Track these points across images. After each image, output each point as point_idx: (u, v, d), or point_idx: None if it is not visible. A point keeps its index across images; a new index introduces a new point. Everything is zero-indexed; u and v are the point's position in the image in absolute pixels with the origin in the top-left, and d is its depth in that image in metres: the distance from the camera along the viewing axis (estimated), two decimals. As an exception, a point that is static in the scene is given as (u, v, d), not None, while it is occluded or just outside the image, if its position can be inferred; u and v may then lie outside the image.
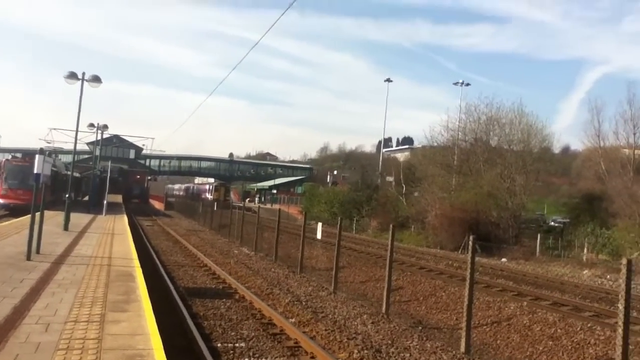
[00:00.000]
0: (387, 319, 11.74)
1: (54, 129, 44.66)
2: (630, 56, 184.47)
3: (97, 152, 47.19)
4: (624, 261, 7.12)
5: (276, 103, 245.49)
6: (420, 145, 56.20)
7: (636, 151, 44.91)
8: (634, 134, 44.41)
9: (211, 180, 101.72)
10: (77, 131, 23.64)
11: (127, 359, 5.60)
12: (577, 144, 69.34)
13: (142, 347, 6.08)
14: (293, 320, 10.95)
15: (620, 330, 6.90)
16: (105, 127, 37.35)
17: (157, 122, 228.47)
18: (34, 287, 9.02)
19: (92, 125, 36.29)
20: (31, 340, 6.03)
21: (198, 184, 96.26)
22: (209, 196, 65.82)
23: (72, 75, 21.04)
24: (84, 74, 21.48)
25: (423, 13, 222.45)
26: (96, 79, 21.32)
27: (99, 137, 39.73)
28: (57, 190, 36.57)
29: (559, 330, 11.45)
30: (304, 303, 12.85)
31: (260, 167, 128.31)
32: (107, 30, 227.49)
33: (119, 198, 57.33)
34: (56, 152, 57.16)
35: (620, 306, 6.96)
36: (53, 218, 24.36)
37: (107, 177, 37.46)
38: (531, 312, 12.86)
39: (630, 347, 9.57)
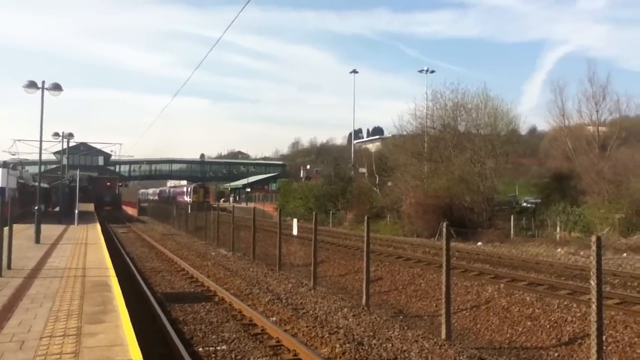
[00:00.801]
0: (368, 311, 11.80)
1: (19, 140, 43.65)
2: (588, 34, 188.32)
3: (65, 161, 46.24)
4: (594, 238, 7.24)
5: (243, 100, 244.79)
6: (390, 135, 56.36)
7: (600, 128, 45.97)
8: (597, 111, 45.46)
9: (184, 182, 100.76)
10: (41, 141, 23.09)
11: (106, 372, 5.52)
12: (544, 125, 70.48)
13: (121, 358, 5.99)
14: (274, 318, 10.92)
15: (594, 307, 7.03)
16: (71, 135, 36.61)
17: (124, 128, 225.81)
18: (6, 305, 8.81)
19: (56, 134, 35.60)
20: (5, 359, 5.89)
21: (173, 186, 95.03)
22: (187, 199, 64.56)
23: (32, 85, 20.46)
24: (43, 82, 20.94)
25: (385, 2, 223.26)
26: (57, 87, 20.79)
27: (65, 146, 38.96)
28: (26, 203, 35.83)
29: (536, 310, 11.64)
30: (284, 300, 12.82)
31: (232, 166, 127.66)
32: (67, 36, 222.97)
33: (90, 207, 56.37)
34: (22, 163, 55.96)
35: (593, 283, 7.08)
36: (23, 231, 23.85)
37: (77, 186, 36.71)
38: (509, 294, 13.05)
39: (605, 321, 9.81)
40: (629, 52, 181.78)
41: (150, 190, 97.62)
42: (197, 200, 59.17)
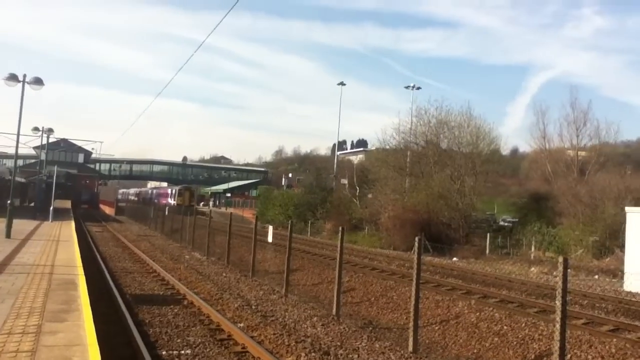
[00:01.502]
0: (338, 321, 11.76)
1: (-3, 133, 43.04)
2: (573, 61, 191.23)
3: (43, 156, 45.62)
4: (561, 259, 7.34)
5: (230, 106, 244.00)
6: (374, 148, 56.56)
7: (579, 152, 46.77)
8: (577, 136, 46.36)
9: (164, 184, 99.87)
10: (18, 134, 22.82)
11: (61, 371, 5.41)
12: (525, 146, 71.63)
13: (78, 358, 5.88)
14: (242, 325, 10.82)
15: (557, 326, 7.09)
16: (51, 130, 36.17)
17: (107, 126, 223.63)
18: (-33, 299, 8.63)
19: (36, 129, 35.11)
20: (-41, 354, 5.76)
21: (155, 187, 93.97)
22: (171, 201, 62.66)
23: (12, 77, 20.22)
24: (24, 76, 20.70)
25: (374, 17, 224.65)
26: (38, 81, 20.57)
27: (45, 141, 38.49)
28: (0, 196, 35.25)
29: (504, 327, 11.71)
30: (253, 307, 12.73)
31: (214, 170, 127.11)
32: (54, 32, 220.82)
33: (67, 204, 55.69)
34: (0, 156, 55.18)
35: (558, 302, 7.15)
36: (-6, 225, 23.42)
37: (54, 182, 36.23)
38: (479, 310, 13.11)
39: (571, 340, 9.90)
40: (611, 80, 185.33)
41: (131, 191, 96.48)
42: (182, 204, 56.10)
